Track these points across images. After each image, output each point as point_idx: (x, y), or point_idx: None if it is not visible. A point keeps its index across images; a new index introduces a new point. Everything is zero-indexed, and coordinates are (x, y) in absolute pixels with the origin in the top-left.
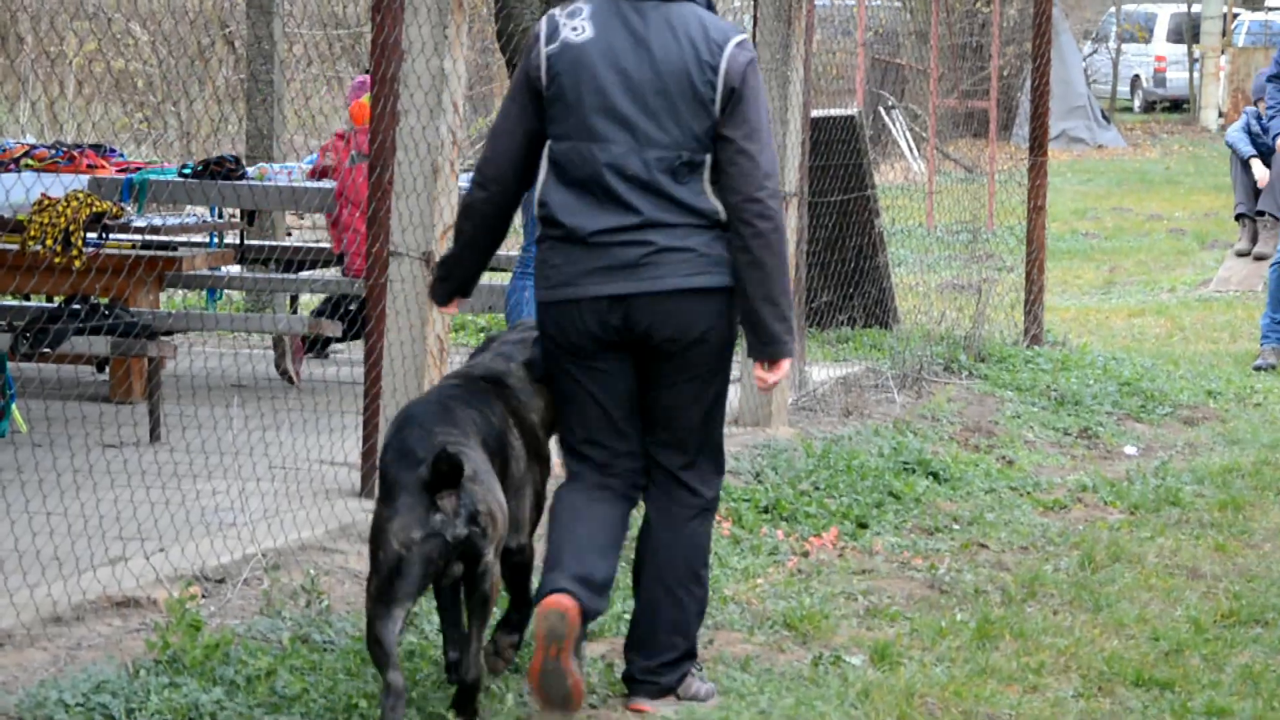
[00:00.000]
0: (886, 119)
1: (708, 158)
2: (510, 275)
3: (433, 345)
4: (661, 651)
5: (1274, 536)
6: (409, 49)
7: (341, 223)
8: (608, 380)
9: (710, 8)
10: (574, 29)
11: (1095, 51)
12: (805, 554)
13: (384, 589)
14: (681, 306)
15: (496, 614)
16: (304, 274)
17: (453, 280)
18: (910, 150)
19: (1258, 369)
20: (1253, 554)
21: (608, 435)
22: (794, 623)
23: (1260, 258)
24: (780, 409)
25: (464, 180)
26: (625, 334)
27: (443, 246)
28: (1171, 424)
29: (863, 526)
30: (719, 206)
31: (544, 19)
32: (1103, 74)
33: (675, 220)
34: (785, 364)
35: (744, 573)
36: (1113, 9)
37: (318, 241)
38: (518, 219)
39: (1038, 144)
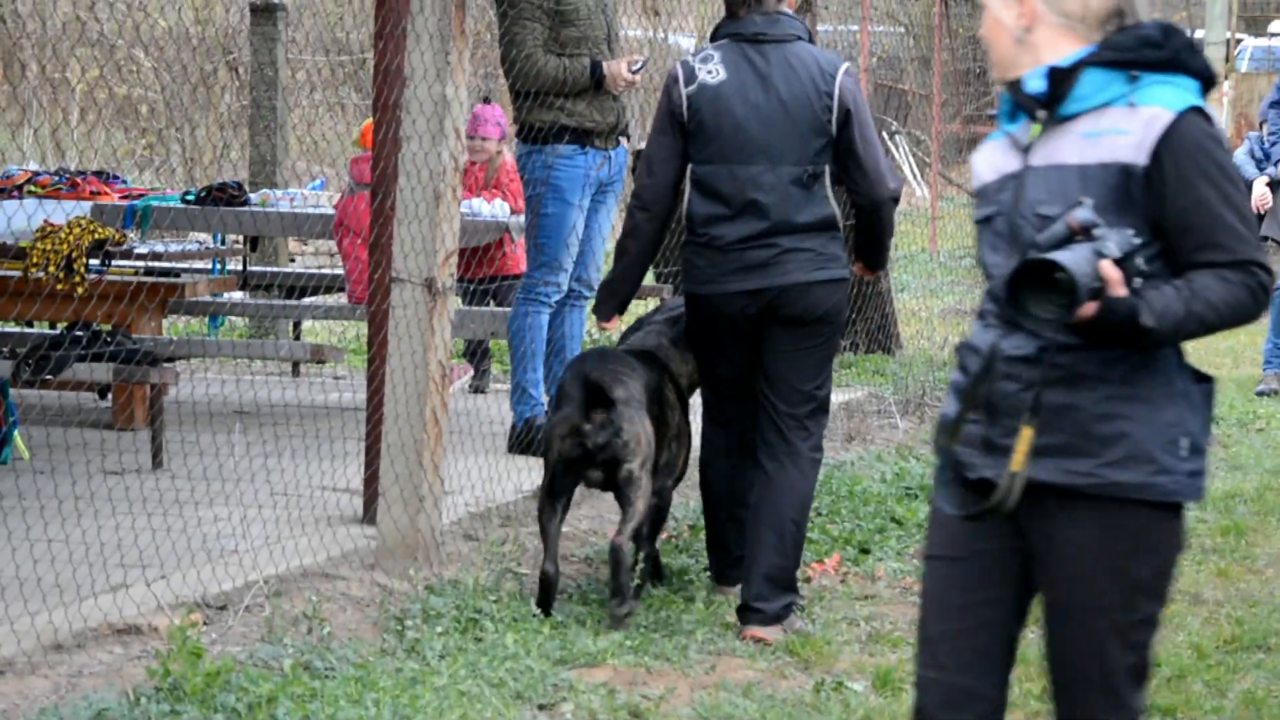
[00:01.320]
0: (890, 144)
1: (827, 168)
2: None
3: (435, 371)
4: (773, 584)
5: (1276, 562)
6: (411, 75)
7: (343, 250)
8: (737, 353)
9: (811, 42)
10: (709, 72)
11: None
12: (807, 580)
13: (543, 482)
14: (803, 294)
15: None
16: (307, 300)
17: (616, 298)
18: (914, 175)
19: (1260, 394)
20: (1255, 579)
21: (732, 386)
22: (796, 649)
23: None
24: None
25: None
26: (757, 317)
27: (444, 271)
28: None
29: (865, 552)
30: (836, 212)
31: (679, 65)
32: None
33: (798, 226)
34: (879, 271)
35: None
36: None
37: (320, 268)
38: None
39: None
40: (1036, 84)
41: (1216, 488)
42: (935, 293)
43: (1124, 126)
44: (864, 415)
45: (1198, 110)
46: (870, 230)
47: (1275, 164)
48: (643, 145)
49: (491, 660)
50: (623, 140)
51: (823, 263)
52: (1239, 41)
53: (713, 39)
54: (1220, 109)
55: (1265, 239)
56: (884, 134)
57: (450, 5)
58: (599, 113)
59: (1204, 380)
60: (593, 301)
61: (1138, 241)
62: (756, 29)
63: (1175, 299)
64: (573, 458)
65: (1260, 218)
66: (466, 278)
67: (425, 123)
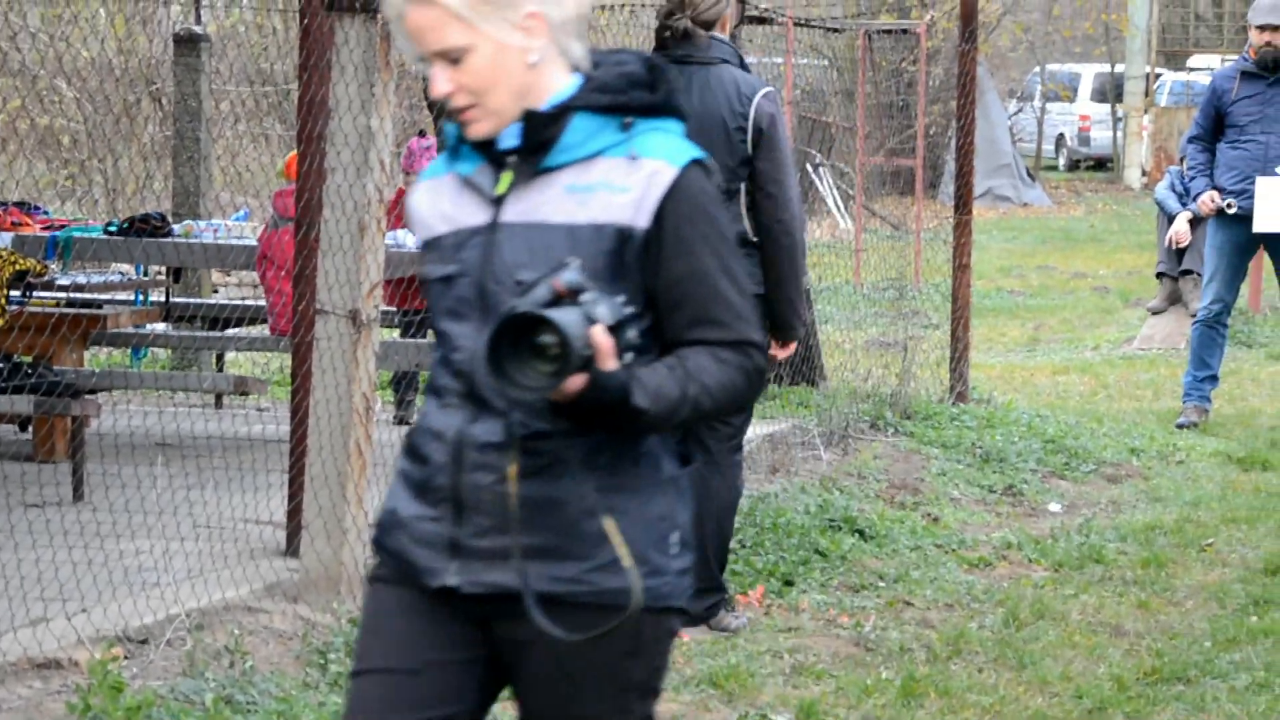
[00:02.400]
0: (813, 176)
1: (743, 186)
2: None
3: (359, 403)
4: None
5: (1196, 594)
6: (336, 107)
7: (265, 282)
8: None
9: (743, 67)
10: None
11: (1020, 110)
12: (731, 611)
13: None
14: None
15: None
16: (230, 331)
17: None
18: (838, 208)
19: (1180, 427)
20: (1175, 611)
21: None
22: (720, 681)
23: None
24: None
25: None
26: None
27: (369, 304)
28: (1095, 481)
29: (789, 584)
30: (749, 230)
31: None
32: (1028, 133)
33: None
34: (792, 345)
35: None
36: (1037, 69)
37: (244, 299)
38: None
39: (963, 202)
40: (510, 136)
41: (1137, 520)
42: (859, 325)
43: (621, 182)
44: (788, 447)
45: (699, 163)
46: (776, 264)
47: (1195, 197)
48: None
49: None
50: None
51: None
52: (1158, 76)
53: None
54: (1140, 142)
55: (1188, 272)
56: (808, 166)
57: (375, 37)
58: None
59: (688, 463)
60: None
61: (630, 311)
62: (684, 51)
63: (670, 379)
64: None
65: (1180, 253)
66: (402, 309)
67: (350, 154)
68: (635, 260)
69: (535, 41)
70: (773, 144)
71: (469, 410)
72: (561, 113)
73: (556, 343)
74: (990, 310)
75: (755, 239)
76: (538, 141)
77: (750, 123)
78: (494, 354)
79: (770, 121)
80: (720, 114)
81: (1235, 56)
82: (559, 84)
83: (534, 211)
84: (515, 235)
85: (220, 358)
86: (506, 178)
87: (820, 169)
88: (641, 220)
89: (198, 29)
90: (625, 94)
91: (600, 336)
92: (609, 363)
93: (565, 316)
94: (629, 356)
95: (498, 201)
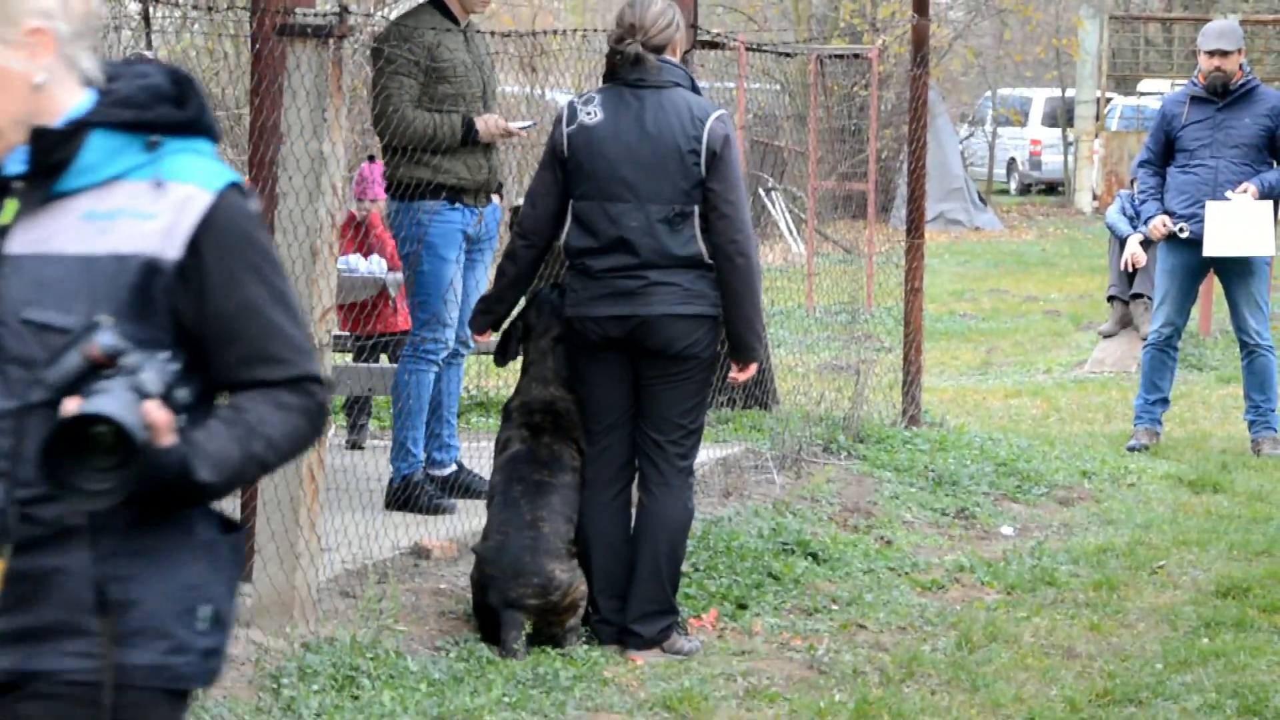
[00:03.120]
0: (766, 200)
1: (696, 209)
2: (399, 359)
3: None
4: (645, 608)
5: (1148, 616)
6: (287, 132)
7: None
8: (613, 371)
9: (695, 90)
10: (588, 114)
11: (972, 135)
12: (684, 634)
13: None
14: (667, 326)
15: None
16: None
17: (493, 314)
18: (790, 231)
19: (1131, 449)
20: (1127, 633)
21: (611, 413)
22: (674, 704)
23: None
24: None
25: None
26: (625, 344)
27: (321, 328)
28: (1047, 504)
29: (742, 608)
30: (704, 251)
31: (566, 105)
32: (979, 157)
33: (667, 262)
34: (752, 367)
35: (623, 653)
36: (989, 93)
37: None
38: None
39: (915, 226)
40: (16, 160)
41: (1089, 542)
42: (812, 348)
43: (147, 209)
44: (741, 471)
45: (236, 187)
46: (731, 285)
47: (1146, 220)
48: (519, 201)
49: (368, 718)
50: (495, 198)
51: (689, 298)
52: (1109, 100)
53: (603, 82)
54: (1091, 167)
55: (1139, 295)
56: (760, 190)
57: (327, 62)
58: (469, 170)
59: (233, 529)
60: (468, 356)
61: (174, 367)
62: (637, 75)
63: (230, 441)
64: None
65: (1131, 276)
66: (355, 334)
67: (302, 179)
68: (165, 295)
69: (40, 61)
70: (726, 165)
71: None
72: (76, 130)
73: (110, 432)
74: (942, 334)
75: (710, 261)
76: (49, 164)
77: (704, 145)
78: (48, 466)
79: (723, 143)
80: (674, 137)
81: (1185, 81)
82: (71, 101)
83: (45, 242)
84: (21, 269)
85: None
86: (11, 206)
87: (773, 193)
88: (172, 251)
89: (148, 54)
90: (150, 110)
91: (156, 413)
92: (165, 439)
93: (113, 402)
94: (181, 419)
95: (1, 233)
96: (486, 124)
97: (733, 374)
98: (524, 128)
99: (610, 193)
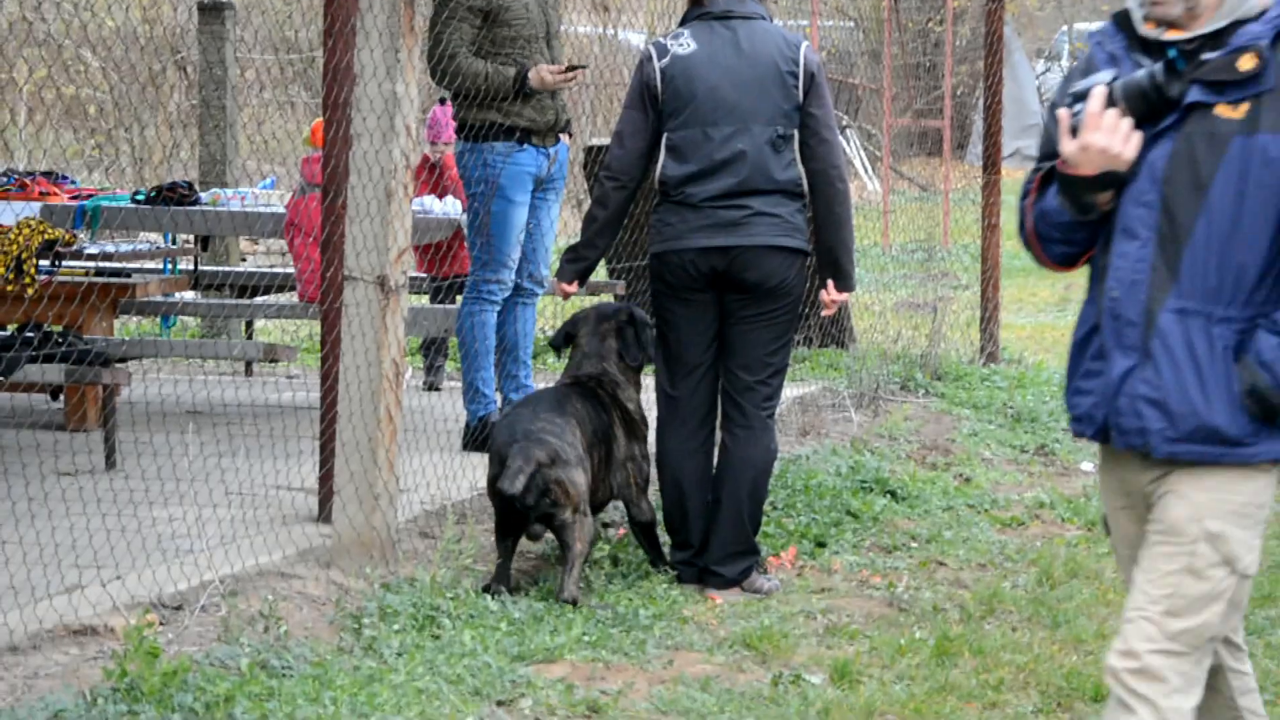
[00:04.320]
0: (841, 138)
1: (796, 133)
2: (461, 300)
3: (388, 369)
4: (727, 549)
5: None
6: (361, 73)
7: (294, 249)
8: (701, 312)
9: None
10: (681, 45)
11: (1049, 70)
12: (764, 573)
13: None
14: (765, 258)
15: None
16: (259, 299)
17: (582, 262)
18: (865, 170)
19: None
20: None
21: (696, 354)
22: (753, 642)
23: None
24: None
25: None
26: (719, 278)
27: (397, 269)
28: None
29: (821, 546)
30: (802, 177)
31: (651, 44)
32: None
33: (769, 186)
34: (848, 295)
35: (703, 593)
36: (1065, 27)
37: (272, 266)
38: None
39: (991, 162)
40: None
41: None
42: (888, 286)
43: None
44: (819, 409)
45: None
46: (832, 208)
47: None
48: (594, 141)
49: (449, 657)
50: (563, 137)
51: (789, 231)
52: None
53: (681, 24)
54: None
55: None
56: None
57: (399, 2)
58: (536, 111)
59: None
60: (541, 297)
61: None
62: (723, 7)
63: None
64: (508, 515)
65: None
66: (430, 275)
67: (376, 120)
68: None
69: None
70: (823, 91)
71: None
72: None
73: None
74: (1020, 271)
75: (800, 190)
76: None
77: (801, 68)
78: None
79: (819, 68)
80: (772, 59)
81: None
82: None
83: None
84: None
85: (249, 325)
86: None
87: (847, 131)
88: None
89: None
90: None
91: None
92: None
93: None
94: None
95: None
96: (539, 74)
97: (829, 296)
98: (574, 72)
99: (712, 118)
